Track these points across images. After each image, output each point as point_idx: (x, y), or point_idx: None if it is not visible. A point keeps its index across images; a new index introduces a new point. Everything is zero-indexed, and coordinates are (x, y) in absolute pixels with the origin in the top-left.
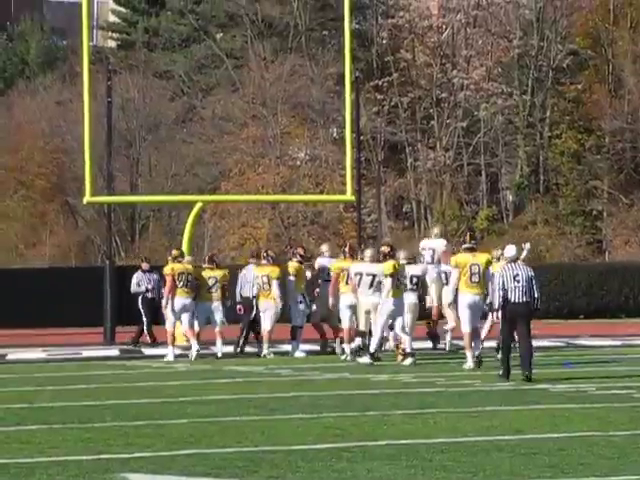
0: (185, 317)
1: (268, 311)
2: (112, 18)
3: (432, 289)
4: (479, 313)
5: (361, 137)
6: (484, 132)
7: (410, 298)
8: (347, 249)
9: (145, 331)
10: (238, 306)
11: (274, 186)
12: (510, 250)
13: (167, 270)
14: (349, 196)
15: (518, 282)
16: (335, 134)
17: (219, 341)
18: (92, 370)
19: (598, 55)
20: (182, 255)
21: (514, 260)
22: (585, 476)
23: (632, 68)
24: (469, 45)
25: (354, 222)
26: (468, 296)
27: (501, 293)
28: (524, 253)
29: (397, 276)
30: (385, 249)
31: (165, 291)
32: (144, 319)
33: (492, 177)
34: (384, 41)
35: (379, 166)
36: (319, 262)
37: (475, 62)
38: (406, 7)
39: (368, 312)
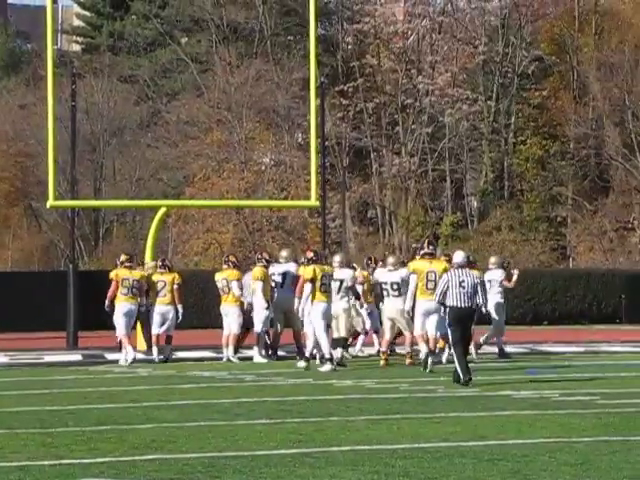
0: (122, 322)
1: (230, 315)
2: (77, 22)
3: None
4: (434, 319)
5: (326, 142)
6: (449, 138)
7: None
8: (312, 255)
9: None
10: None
11: (239, 191)
12: (458, 256)
13: (111, 275)
14: (314, 201)
15: (463, 288)
16: (300, 139)
17: (155, 347)
18: (54, 375)
19: (563, 62)
20: (131, 260)
21: (462, 266)
22: None
23: (596, 75)
24: (434, 51)
25: (318, 228)
26: (424, 302)
27: (440, 298)
28: (514, 278)
29: (324, 281)
30: (309, 254)
31: (108, 295)
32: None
33: (457, 183)
34: (349, 46)
35: (344, 171)
36: (279, 268)
37: (440, 68)
38: (371, 13)
39: (337, 317)
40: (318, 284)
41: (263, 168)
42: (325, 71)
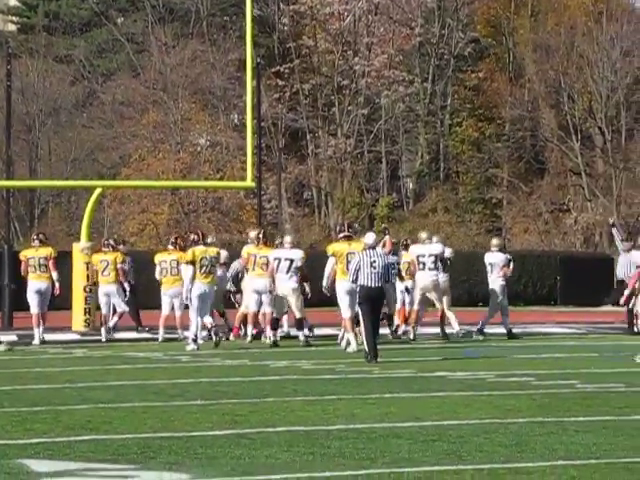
0: (35, 300)
1: (178, 298)
2: (12, 2)
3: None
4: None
5: (262, 123)
6: (385, 120)
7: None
8: (261, 235)
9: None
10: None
11: (174, 172)
12: (369, 237)
13: (21, 255)
14: (249, 182)
15: (374, 268)
16: (236, 120)
17: (104, 327)
18: None
19: (499, 44)
20: (40, 239)
21: (372, 247)
22: (483, 463)
23: (532, 56)
24: (371, 32)
25: (254, 209)
26: (345, 283)
27: (353, 277)
28: (511, 265)
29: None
30: (193, 236)
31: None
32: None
33: (393, 165)
34: (286, 27)
35: (280, 153)
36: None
37: (377, 49)
38: None
39: (285, 297)
40: (198, 266)
41: (199, 149)
42: (261, 52)
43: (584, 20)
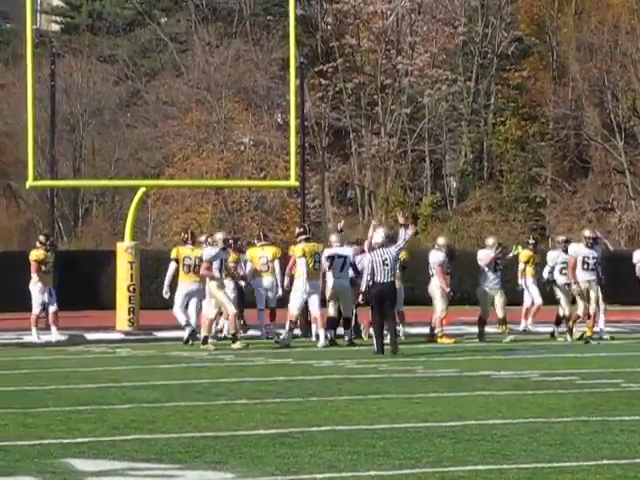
0: (39, 300)
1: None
2: (56, 2)
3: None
4: (316, 299)
5: (305, 123)
6: (428, 119)
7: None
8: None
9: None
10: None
11: (218, 171)
12: (379, 235)
13: (31, 256)
14: (293, 182)
15: (387, 266)
16: (279, 119)
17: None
18: (33, 355)
19: (542, 42)
20: (47, 240)
21: (383, 245)
22: (528, 462)
23: (576, 55)
24: (414, 31)
25: (298, 208)
26: (314, 282)
27: (368, 278)
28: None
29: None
30: (183, 235)
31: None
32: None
33: (436, 163)
34: (329, 26)
35: (323, 152)
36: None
37: (420, 48)
38: None
39: (340, 293)
40: (181, 265)
41: (242, 148)
42: (304, 51)
43: (627, 18)
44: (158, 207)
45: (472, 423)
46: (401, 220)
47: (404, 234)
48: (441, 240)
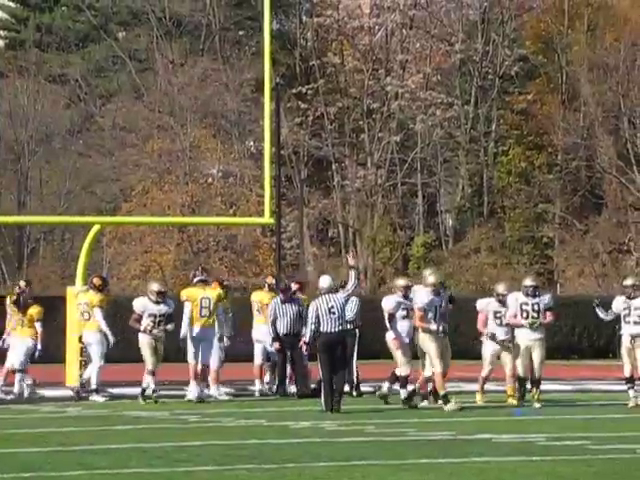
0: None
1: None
2: (0, 14)
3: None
4: (207, 346)
5: (281, 151)
6: (421, 147)
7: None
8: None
9: None
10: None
11: (182, 206)
12: (325, 281)
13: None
14: (267, 219)
15: (334, 314)
16: (252, 148)
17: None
18: None
19: (550, 62)
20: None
21: (329, 291)
22: None
23: (588, 76)
24: (405, 49)
25: (272, 248)
26: (197, 329)
27: (313, 327)
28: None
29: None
30: (97, 281)
31: None
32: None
33: (430, 198)
34: (309, 43)
35: (302, 185)
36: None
37: (411, 68)
38: (334, 5)
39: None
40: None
41: (210, 180)
42: (281, 71)
43: None
44: (114, 247)
45: None
46: (351, 262)
47: (354, 277)
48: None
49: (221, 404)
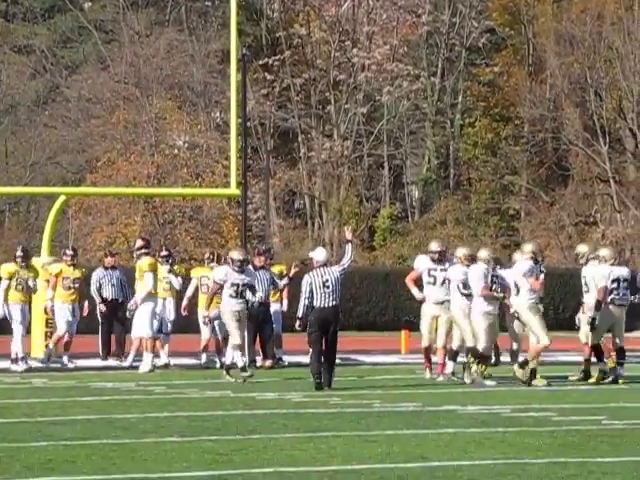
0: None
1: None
2: None
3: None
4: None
5: (248, 123)
6: (387, 119)
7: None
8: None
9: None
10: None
11: (148, 178)
12: (319, 254)
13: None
14: (233, 190)
15: (328, 288)
16: (218, 119)
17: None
18: None
19: (517, 34)
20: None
21: (324, 264)
22: None
23: (555, 48)
24: (372, 20)
25: (238, 220)
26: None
27: (306, 302)
28: None
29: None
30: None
31: None
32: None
33: (396, 170)
34: (275, 14)
35: (268, 156)
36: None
37: (378, 40)
38: None
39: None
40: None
41: (176, 152)
42: (247, 42)
43: (614, 7)
44: (80, 218)
45: (435, 465)
46: (348, 236)
47: (350, 251)
48: (483, 253)
49: (186, 375)
